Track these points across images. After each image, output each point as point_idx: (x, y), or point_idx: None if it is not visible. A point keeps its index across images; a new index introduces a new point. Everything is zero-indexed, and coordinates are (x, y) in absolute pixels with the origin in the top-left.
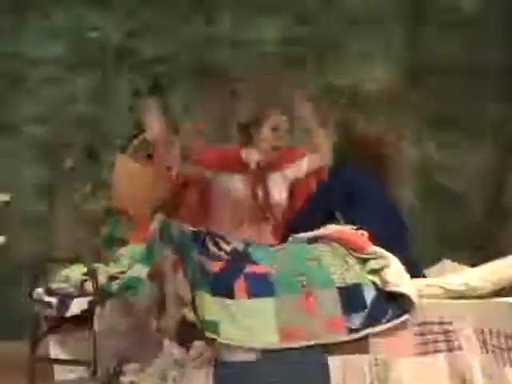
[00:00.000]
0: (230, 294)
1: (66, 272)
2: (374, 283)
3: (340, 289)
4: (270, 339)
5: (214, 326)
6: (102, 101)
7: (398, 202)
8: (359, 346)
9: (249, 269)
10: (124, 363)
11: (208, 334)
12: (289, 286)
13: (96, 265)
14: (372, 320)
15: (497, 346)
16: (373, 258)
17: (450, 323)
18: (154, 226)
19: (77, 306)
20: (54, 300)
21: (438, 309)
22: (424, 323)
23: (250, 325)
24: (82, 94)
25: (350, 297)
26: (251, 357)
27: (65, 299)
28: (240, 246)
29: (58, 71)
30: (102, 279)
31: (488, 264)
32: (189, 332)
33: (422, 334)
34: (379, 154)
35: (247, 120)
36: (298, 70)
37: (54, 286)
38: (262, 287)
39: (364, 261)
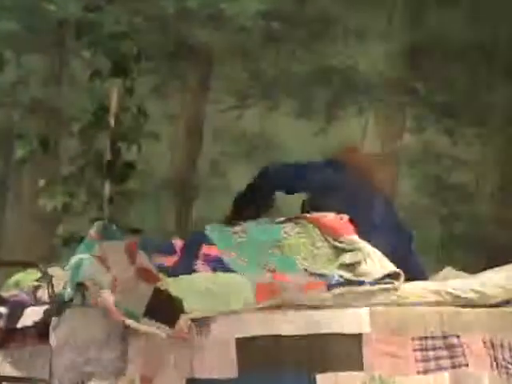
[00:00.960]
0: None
1: (16, 277)
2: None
3: (307, 271)
4: (246, 299)
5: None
6: (59, 83)
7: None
8: (352, 361)
9: (204, 250)
10: (84, 380)
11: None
12: (248, 268)
13: (51, 269)
14: (352, 284)
15: (509, 361)
16: (348, 250)
17: (456, 336)
18: (93, 230)
19: (30, 317)
20: (3, 310)
21: (441, 319)
22: (425, 337)
23: (219, 290)
24: (37, 74)
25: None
26: (230, 374)
27: (16, 309)
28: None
29: (9, 49)
30: (58, 285)
31: (505, 269)
32: (164, 306)
33: (423, 350)
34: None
35: None
36: (284, 49)
37: (4, 293)
38: (222, 267)
39: (337, 251)
